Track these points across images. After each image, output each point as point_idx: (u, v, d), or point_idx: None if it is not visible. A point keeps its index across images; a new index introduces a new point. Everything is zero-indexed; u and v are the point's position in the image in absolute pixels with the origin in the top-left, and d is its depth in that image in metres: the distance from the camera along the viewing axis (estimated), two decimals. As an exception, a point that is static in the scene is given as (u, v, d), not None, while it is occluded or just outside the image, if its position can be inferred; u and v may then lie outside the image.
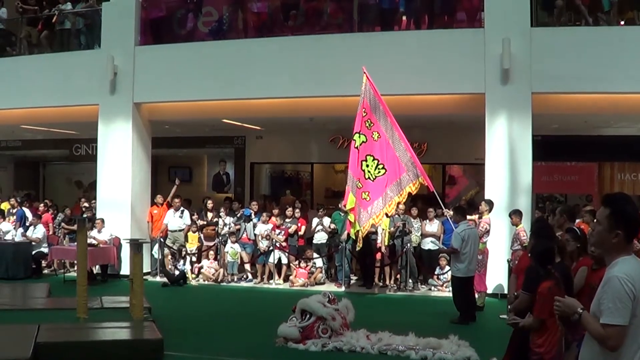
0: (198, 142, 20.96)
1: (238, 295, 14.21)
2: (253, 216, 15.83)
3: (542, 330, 5.63)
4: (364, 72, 12.49)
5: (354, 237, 13.19)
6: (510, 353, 6.56)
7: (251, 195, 20.10)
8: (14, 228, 16.38)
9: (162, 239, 15.78)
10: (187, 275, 15.18)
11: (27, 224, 16.50)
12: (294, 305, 9.79)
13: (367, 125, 12.56)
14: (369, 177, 12.50)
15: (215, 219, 16.02)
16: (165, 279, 15.12)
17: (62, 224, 17.21)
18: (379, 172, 12.50)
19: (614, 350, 3.49)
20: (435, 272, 14.33)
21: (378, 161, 12.52)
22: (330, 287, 14.13)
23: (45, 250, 15.71)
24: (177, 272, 15.06)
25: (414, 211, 14.72)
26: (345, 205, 12.86)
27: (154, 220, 16.15)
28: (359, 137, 12.59)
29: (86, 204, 17.62)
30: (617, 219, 3.62)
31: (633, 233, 3.66)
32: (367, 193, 12.55)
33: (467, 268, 11.13)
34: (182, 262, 15.36)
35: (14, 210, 17.40)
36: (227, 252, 15.37)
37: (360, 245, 13.43)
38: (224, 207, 16.31)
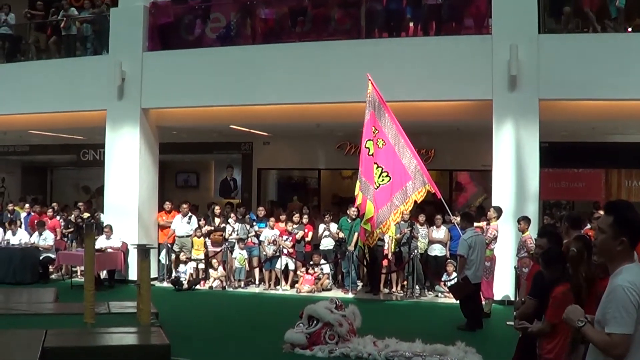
0: (205, 148, 21.01)
1: (245, 301, 14.20)
2: (255, 222, 15.89)
3: (553, 335, 5.61)
4: (369, 79, 12.48)
5: (369, 245, 13.14)
6: (517, 359, 6.54)
7: (258, 201, 20.11)
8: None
9: (169, 245, 15.82)
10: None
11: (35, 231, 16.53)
12: (301, 311, 9.80)
13: (373, 132, 12.56)
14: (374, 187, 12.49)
15: (223, 225, 16.02)
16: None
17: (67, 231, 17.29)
18: (383, 180, 12.48)
19: (619, 359, 3.50)
20: (442, 279, 14.30)
21: (382, 169, 12.49)
22: (337, 294, 14.10)
23: (53, 255, 15.75)
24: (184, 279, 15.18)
25: (422, 218, 14.70)
26: (363, 215, 12.81)
27: (163, 227, 16.22)
28: (372, 144, 12.57)
29: (81, 215, 17.54)
30: (621, 226, 3.61)
31: (637, 239, 3.66)
32: (373, 201, 12.53)
33: (474, 275, 11.10)
34: (185, 268, 15.40)
35: (11, 216, 17.47)
36: (235, 258, 15.38)
37: (368, 257, 13.42)
38: (234, 213, 16.27)
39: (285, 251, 15.08)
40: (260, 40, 15.78)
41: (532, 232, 11.53)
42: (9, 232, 16.22)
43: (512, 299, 12.64)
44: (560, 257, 5.85)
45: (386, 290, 14.77)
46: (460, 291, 11.31)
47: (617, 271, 3.60)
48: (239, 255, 15.31)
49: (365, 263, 14.73)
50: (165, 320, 10.52)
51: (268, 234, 15.31)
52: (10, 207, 18.39)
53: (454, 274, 13.36)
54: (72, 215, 17.58)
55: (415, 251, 14.17)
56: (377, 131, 12.55)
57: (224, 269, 15.48)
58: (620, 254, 3.61)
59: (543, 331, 5.68)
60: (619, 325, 3.45)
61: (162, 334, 8.97)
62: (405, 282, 14.59)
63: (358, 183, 12.85)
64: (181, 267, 15.45)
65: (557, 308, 5.50)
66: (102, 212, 16.72)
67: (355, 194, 13.01)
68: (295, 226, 15.42)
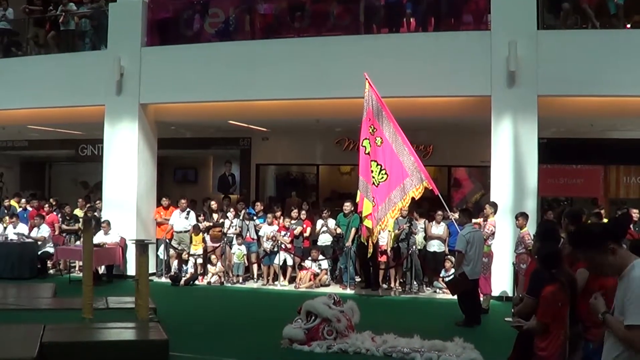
0: (204, 143, 20.99)
1: (243, 296, 14.21)
2: (255, 216, 15.88)
3: (546, 333, 5.64)
4: (366, 78, 12.44)
5: (372, 242, 13.12)
6: (515, 356, 6.55)
7: (256, 196, 20.08)
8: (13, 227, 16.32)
9: (167, 240, 15.82)
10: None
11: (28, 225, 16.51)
12: (299, 306, 9.79)
13: (371, 130, 12.52)
14: (373, 183, 12.48)
15: (222, 220, 16.01)
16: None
17: (63, 225, 17.29)
18: (382, 177, 12.46)
19: None
20: (441, 275, 14.30)
21: (381, 167, 12.48)
22: (335, 289, 14.13)
23: (51, 250, 15.75)
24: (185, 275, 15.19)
25: (418, 214, 14.68)
26: (361, 212, 12.79)
27: (161, 224, 16.22)
28: (368, 142, 12.57)
29: (94, 206, 17.55)
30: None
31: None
32: (372, 199, 12.52)
33: (472, 271, 11.11)
34: (184, 265, 15.41)
35: (7, 212, 17.49)
36: (234, 254, 15.38)
37: (371, 252, 13.37)
38: (235, 208, 16.24)
39: (283, 247, 15.08)
40: (259, 35, 15.77)
41: (530, 228, 11.56)
42: (10, 226, 16.17)
43: (510, 294, 12.68)
44: (554, 255, 5.86)
45: (384, 286, 14.78)
46: (457, 287, 11.33)
47: (629, 267, 3.59)
48: (238, 251, 15.32)
49: (361, 258, 14.69)
50: (163, 316, 10.51)
51: (267, 229, 15.31)
52: (6, 202, 18.36)
53: (452, 270, 13.38)
54: (76, 210, 17.66)
55: (414, 247, 14.19)
56: (375, 129, 12.51)
57: (222, 264, 15.48)
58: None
59: (535, 330, 5.70)
60: (638, 316, 3.44)
61: (160, 329, 8.96)
62: (403, 278, 14.59)
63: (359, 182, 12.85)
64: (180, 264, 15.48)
65: (547, 307, 5.55)
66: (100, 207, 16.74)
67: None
68: (293, 222, 15.42)
